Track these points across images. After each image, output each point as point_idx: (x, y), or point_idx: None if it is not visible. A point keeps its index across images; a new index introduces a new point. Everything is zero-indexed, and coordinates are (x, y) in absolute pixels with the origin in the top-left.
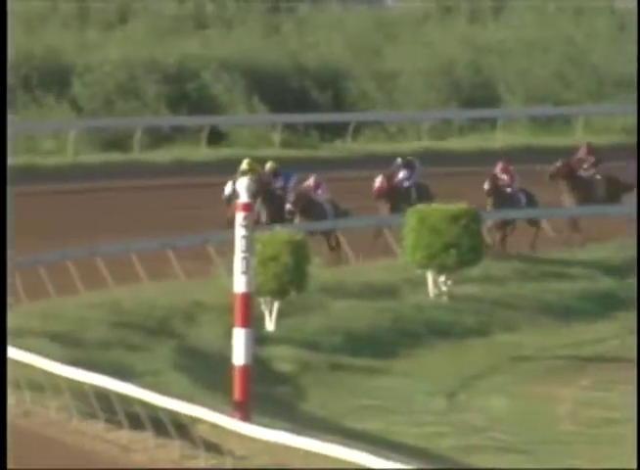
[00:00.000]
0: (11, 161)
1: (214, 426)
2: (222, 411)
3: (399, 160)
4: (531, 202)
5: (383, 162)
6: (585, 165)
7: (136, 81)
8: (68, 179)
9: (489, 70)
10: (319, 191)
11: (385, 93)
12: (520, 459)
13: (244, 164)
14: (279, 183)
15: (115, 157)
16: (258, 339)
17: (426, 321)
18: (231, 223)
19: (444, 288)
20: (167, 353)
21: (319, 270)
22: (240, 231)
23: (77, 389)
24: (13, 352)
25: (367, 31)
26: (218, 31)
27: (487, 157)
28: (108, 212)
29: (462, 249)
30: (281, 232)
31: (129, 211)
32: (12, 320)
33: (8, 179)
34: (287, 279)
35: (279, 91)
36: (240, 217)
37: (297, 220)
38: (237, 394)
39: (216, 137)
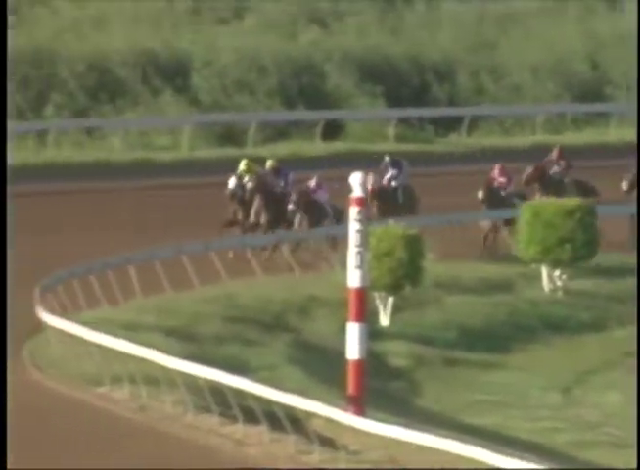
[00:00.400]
0: (127, 156)
1: (329, 420)
2: (337, 406)
3: (387, 158)
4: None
5: (498, 156)
6: (557, 168)
7: (251, 76)
8: (183, 174)
9: (604, 64)
10: (321, 191)
11: (499, 87)
12: (634, 455)
13: (241, 165)
14: (280, 182)
15: (230, 151)
16: (373, 333)
17: (540, 316)
18: (231, 223)
19: (559, 282)
20: (282, 348)
21: (433, 265)
22: (354, 225)
23: (192, 383)
24: (128, 347)
25: (482, 26)
26: (335, 26)
27: (603, 151)
28: (222, 207)
29: (577, 243)
30: (395, 226)
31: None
32: (126, 315)
33: (123, 175)
34: (401, 274)
35: (396, 85)
36: (354, 212)
37: (297, 220)
38: (351, 388)
39: (331, 131)
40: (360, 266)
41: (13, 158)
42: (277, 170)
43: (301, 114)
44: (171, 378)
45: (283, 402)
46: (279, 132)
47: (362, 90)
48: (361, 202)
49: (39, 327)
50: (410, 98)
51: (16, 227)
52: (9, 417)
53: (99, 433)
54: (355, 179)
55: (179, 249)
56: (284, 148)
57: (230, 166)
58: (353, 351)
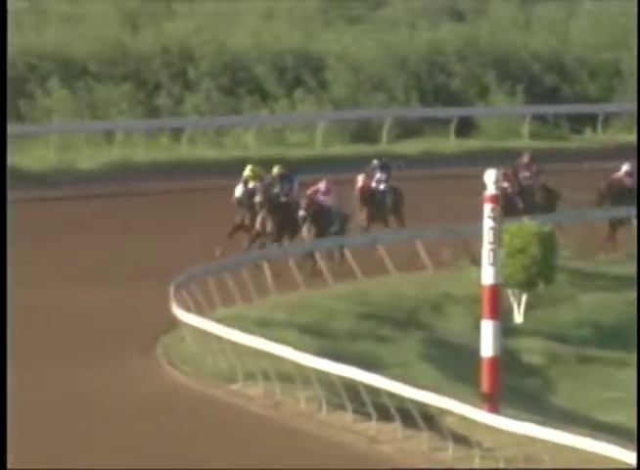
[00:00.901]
0: (261, 153)
1: (462, 418)
2: (470, 403)
3: (375, 161)
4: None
5: (633, 153)
6: (527, 173)
7: (386, 73)
8: (317, 171)
9: None
10: (329, 196)
11: (632, 85)
12: None
13: (247, 171)
14: (285, 188)
15: (364, 148)
16: (506, 331)
17: None
18: (237, 228)
19: None
20: (415, 345)
21: (567, 262)
22: (487, 223)
23: (326, 380)
24: (262, 344)
25: (617, 24)
26: (471, 23)
27: None
28: (353, 204)
29: None
30: (529, 223)
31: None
32: (260, 312)
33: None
34: (535, 271)
35: (531, 82)
36: (487, 209)
37: (305, 227)
38: (485, 385)
39: (465, 128)
40: (494, 263)
41: (146, 155)
42: (283, 176)
43: (435, 110)
44: (305, 375)
45: (416, 399)
46: (413, 129)
47: (499, 87)
48: (495, 199)
49: (174, 324)
50: (545, 95)
51: (151, 225)
52: (143, 413)
53: (233, 429)
54: (489, 177)
55: (313, 246)
56: (417, 145)
57: (363, 163)
58: (487, 348)
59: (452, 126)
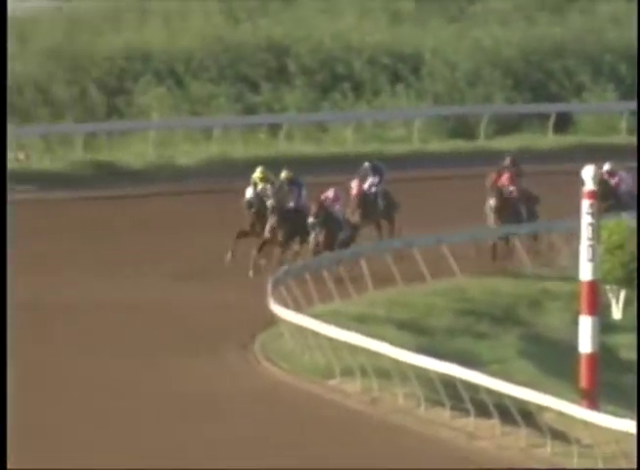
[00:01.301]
0: (359, 149)
1: (561, 414)
2: (569, 399)
3: (367, 164)
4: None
5: None
6: (507, 175)
7: (482, 70)
8: (415, 167)
9: None
10: (337, 204)
11: None
12: None
13: (257, 173)
14: (294, 193)
15: (461, 144)
16: (605, 327)
17: None
18: (245, 233)
19: None
20: (513, 341)
21: None
22: (586, 219)
23: (424, 376)
24: (360, 340)
25: None
26: (550, 17)
27: None
28: (451, 200)
29: None
30: (628, 220)
31: (474, 198)
32: (358, 308)
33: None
34: (633, 267)
35: (630, 78)
36: (585, 205)
37: (314, 234)
38: (584, 382)
39: (563, 124)
40: (592, 259)
41: (244, 151)
42: (292, 181)
43: (532, 107)
44: (403, 371)
45: (515, 396)
46: (511, 125)
47: (590, 83)
48: (593, 195)
49: (272, 320)
50: None
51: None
52: (242, 410)
53: (331, 425)
54: (587, 173)
55: (410, 242)
56: (515, 141)
57: (461, 160)
58: (586, 344)
59: (550, 123)
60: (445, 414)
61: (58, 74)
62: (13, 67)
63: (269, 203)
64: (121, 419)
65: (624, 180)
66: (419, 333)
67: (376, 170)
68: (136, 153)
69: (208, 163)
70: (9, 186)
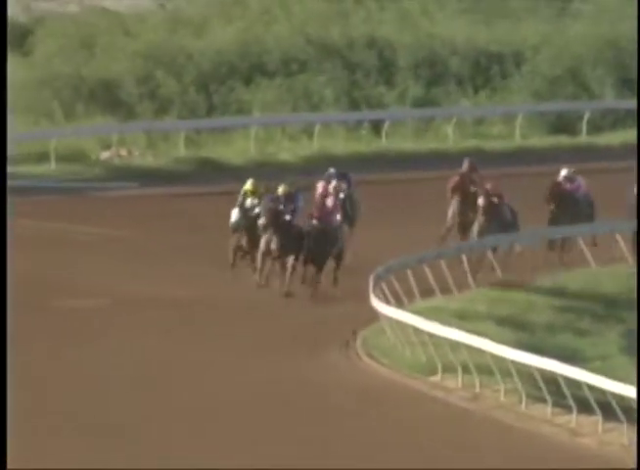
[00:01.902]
0: (460, 145)
1: None
2: None
3: (331, 170)
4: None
5: None
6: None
7: (584, 65)
8: (515, 163)
9: None
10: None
11: None
12: None
13: (247, 185)
14: (289, 208)
15: (563, 140)
16: None
17: None
18: (235, 251)
19: None
20: (615, 338)
21: None
22: None
23: (526, 372)
24: (461, 336)
25: None
26: None
27: None
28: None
29: None
30: None
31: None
32: (459, 304)
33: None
34: None
35: None
36: None
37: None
38: None
39: None
40: None
41: (345, 147)
42: (288, 196)
43: (631, 102)
44: (504, 367)
45: (617, 392)
46: (612, 121)
47: None
48: None
49: (373, 317)
50: None
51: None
52: (346, 406)
53: (435, 422)
54: None
55: (512, 238)
56: (617, 137)
57: (562, 155)
58: None
59: None
60: (547, 410)
61: (160, 71)
62: (116, 63)
63: (262, 219)
64: (229, 416)
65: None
66: (520, 329)
67: (341, 177)
68: (238, 149)
69: (309, 159)
70: (112, 182)
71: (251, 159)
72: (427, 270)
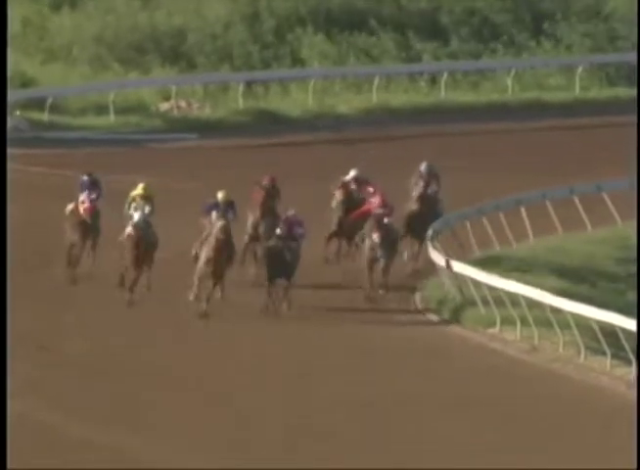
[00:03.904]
0: (520, 97)
1: None
2: None
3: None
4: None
5: None
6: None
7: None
8: (575, 114)
9: None
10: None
11: None
12: None
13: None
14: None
15: (622, 92)
16: None
17: None
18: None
19: None
20: None
21: None
22: None
23: (584, 324)
24: (520, 288)
25: None
26: None
27: None
28: (613, 148)
29: None
30: None
31: (631, 146)
32: (518, 256)
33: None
34: None
35: None
36: None
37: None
38: None
39: None
40: None
41: (404, 99)
42: (230, 204)
43: None
44: (563, 319)
45: None
46: None
47: None
48: None
49: (432, 269)
50: None
51: (408, 169)
52: (408, 356)
53: (493, 374)
54: None
55: (571, 190)
56: None
57: (622, 107)
58: None
59: None
60: (606, 363)
61: (219, 24)
62: (174, 15)
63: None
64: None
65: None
66: (579, 281)
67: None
68: (296, 101)
69: (369, 111)
70: (170, 134)
71: (309, 110)
72: (485, 222)
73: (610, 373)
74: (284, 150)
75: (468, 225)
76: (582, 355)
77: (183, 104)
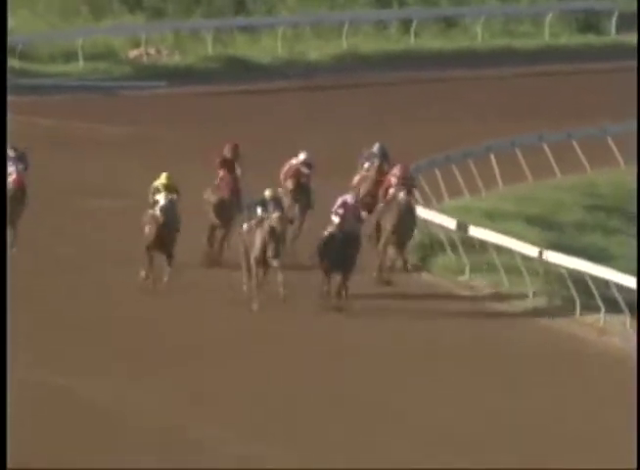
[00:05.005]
0: (489, 44)
1: None
2: None
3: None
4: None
5: None
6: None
7: None
8: (545, 61)
9: None
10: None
11: None
12: None
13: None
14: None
15: (593, 39)
16: None
17: None
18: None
19: None
20: None
21: None
22: None
23: (554, 272)
24: (489, 235)
25: None
26: None
27: None
28: (580, 95)
29: None
30: None
31: (604, 92)
32: (487, 203)
33: (485, 63)
34: None
35: None
36: None
37: None
38: None
39: None
40: None
41: (374, 46)
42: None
43: None
44: (533, 266)
45: None
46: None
47: None
48: None
49: None
50: None
51: (379, 117)
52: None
53: (459, 319)
54: None
55: (540, 137)
56: None
57: (592, 54)
58: None
59: None
60: (575, 310)
61: None
62: None
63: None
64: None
65: None
66: (548, 228)
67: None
68: (266, 49)
69: (339, 58)
70: (140, 81)
71: (279, 58)
72: (455, 170)
73: (579, 320)
74: (254, 97)
75: (437, 173)
76: (552, 303)
77: (152, 51)
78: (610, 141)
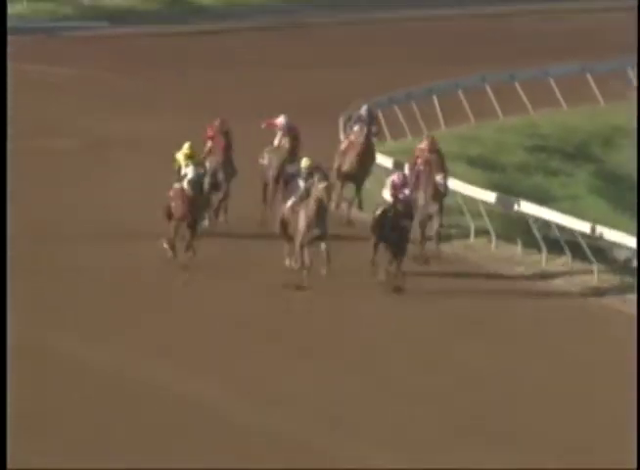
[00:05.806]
0: None
1: (632, 251)
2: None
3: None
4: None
5: None
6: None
7: None
8: (493, 3)
9: None
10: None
11: None
12: None
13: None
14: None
15: None
16: None
17: None
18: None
19: None
20: (586, 178)
21: None
22: None
23: (496, 213)
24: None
25: None
26: None
27: None
28: (529, 37)
29: None
30: None
31: (546, 33)
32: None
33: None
34: None
35: None
36: None
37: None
38: None
39: None
40: None
41: None
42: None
43: None
44: (475, 208)
45: (586, 233)
46: None
47: None
48: None
49: None
50: None
51: (319, 58)
52: None
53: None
54: None
55: (483, 78)
56: None
57: None
58: None
59: None
60: (517, 251)
61: None
62: None
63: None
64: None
65: None
66: (490, 169)
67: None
68: None
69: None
70: (82, 23)
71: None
72: (397, 111)
73: (521, 261)
74: (195, 38)
75: (380, 114)
76: (493, 244)
77: None
78: (552, 82)
